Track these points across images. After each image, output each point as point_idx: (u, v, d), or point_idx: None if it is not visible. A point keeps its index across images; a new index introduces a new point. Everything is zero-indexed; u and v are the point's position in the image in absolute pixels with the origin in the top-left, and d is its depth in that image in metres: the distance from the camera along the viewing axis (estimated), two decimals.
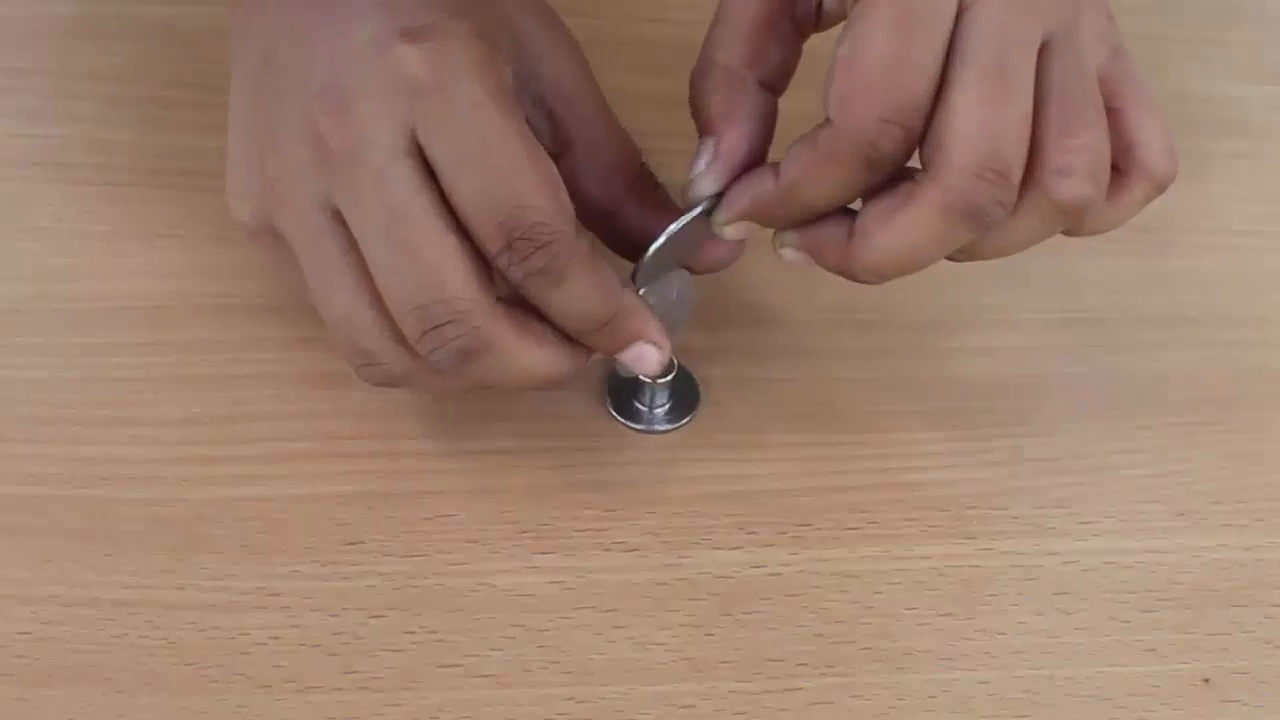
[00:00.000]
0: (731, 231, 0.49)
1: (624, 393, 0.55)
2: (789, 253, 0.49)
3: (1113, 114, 0.48)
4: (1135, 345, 0.60)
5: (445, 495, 0.53)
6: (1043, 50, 0.46)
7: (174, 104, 0.62)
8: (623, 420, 0.55)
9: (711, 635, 0.50)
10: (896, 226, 0.47)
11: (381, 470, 0.54)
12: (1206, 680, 0.51)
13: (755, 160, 0.50)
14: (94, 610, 0.49)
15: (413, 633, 0.49)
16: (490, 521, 0.52)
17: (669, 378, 0.54)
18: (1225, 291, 0.62)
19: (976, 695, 0.49)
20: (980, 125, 0.45)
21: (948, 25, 0.45)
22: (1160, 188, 0.49)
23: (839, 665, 0.50)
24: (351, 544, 0.51)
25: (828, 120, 0.46)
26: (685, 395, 0.56)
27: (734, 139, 0.49)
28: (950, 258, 0.49)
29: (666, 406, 0.55)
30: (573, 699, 0.48)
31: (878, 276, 0.48)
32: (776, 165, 0.47)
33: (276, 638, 0.49)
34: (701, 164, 0.49)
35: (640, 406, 0.55)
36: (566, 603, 0.50)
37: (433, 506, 0.52)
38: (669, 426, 0.55)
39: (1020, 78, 0.46)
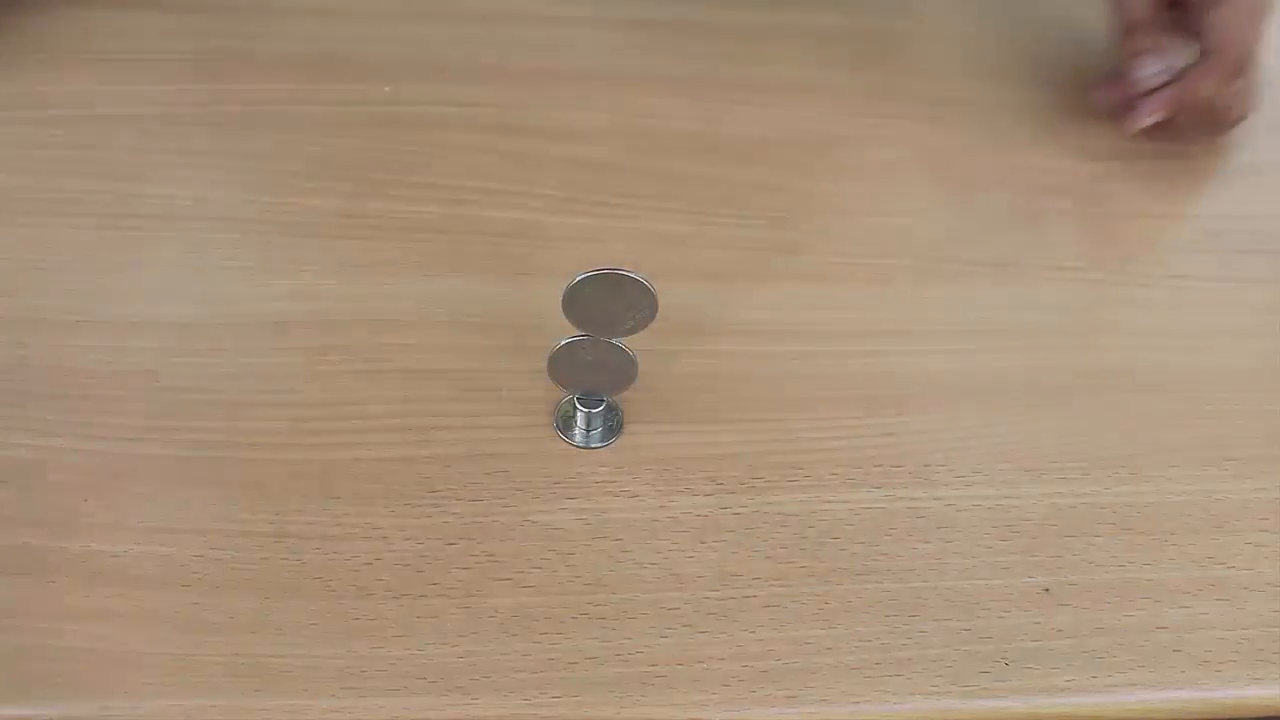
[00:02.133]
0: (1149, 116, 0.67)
1: (569, 421, 0.58)
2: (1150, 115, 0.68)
3: None
4: (995, 349, 0.63)
5: (500, 457, 0.57)
6: None
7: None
8: (566, 439, 0.57)
9: (691, 556, 0.55)
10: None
11: (455, 439, 0.57)
12: (1047, 589, 0.55)
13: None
14: (249, 539, 0.54)
15: (476, 555, 0.54)
16: (532, 476, 0.56)
17: (600, 409, 0.58)
18: (1056, 311, 0.65)
19: (881, 600, 0.54)
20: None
21: None
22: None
23: (782, 578, 0.54)
24: (432, 492, 0.56)
25: (1204, 52, 0.67)
26: (612, 424, 0.58)
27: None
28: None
29: (599, 431, 0.58)
30: (591, 602, 0.53)
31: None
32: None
33: (379, 559, 0.54)
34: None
35: (579, 430, 0.58)
36: (587, 533, 0.55)
37: (491, 465, 0.56)
38: (600, 445, 0.58)
39: None
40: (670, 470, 0.57)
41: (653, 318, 0.54)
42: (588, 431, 0.58)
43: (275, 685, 0.50)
